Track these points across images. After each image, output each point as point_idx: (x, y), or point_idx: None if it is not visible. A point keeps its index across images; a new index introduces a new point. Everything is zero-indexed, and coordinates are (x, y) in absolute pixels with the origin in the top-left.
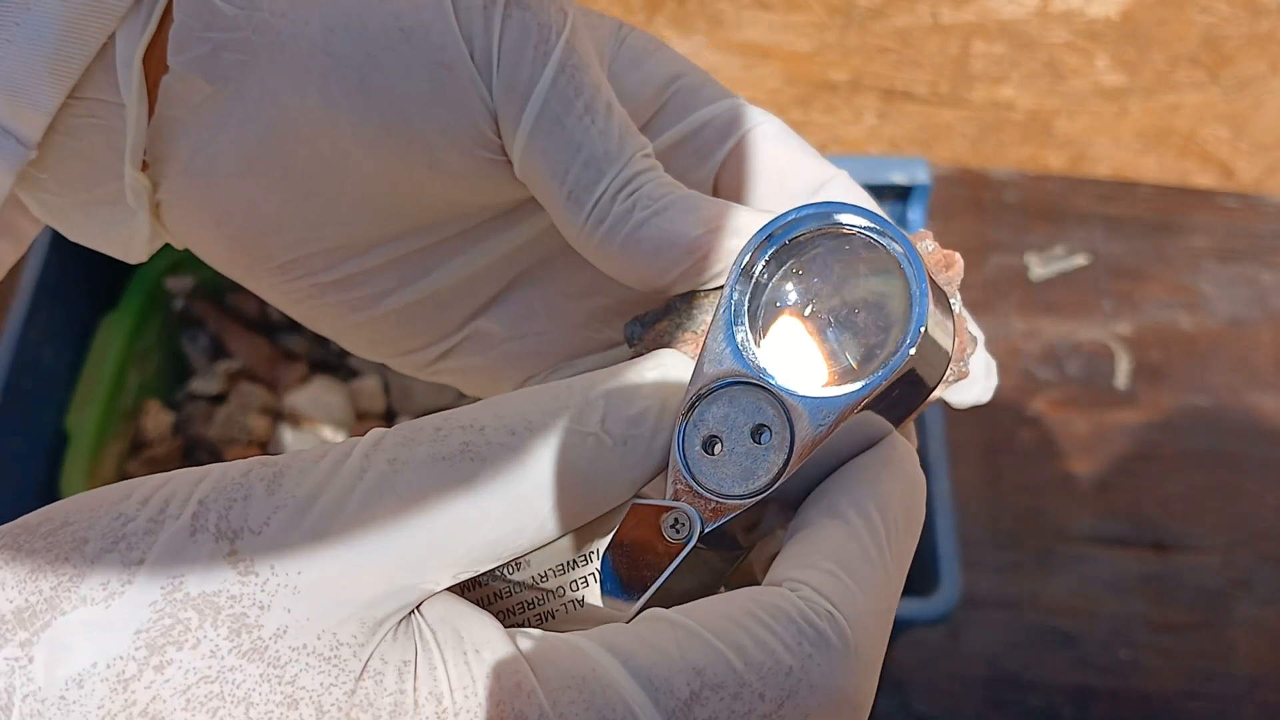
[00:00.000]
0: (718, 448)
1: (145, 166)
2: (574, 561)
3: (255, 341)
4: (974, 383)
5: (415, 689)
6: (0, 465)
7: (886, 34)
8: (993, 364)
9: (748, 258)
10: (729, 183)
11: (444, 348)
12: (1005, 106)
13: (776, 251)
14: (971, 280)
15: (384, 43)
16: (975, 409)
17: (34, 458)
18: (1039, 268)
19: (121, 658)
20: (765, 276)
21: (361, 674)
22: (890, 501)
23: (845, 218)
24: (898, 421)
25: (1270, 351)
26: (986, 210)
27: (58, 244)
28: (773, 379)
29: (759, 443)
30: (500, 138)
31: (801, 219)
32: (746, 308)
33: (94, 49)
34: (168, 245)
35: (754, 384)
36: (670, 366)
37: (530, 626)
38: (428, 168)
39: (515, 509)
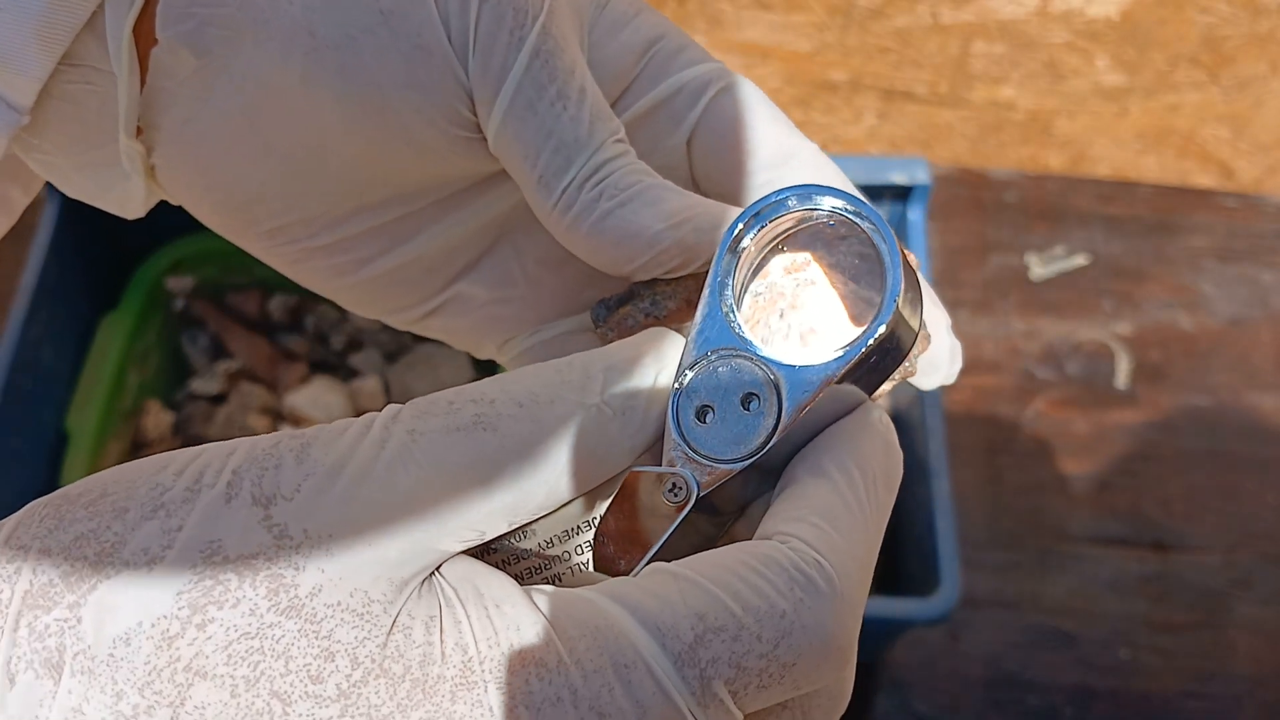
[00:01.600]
0: (710, 416)
1: (140, 133)
2: (578, 528)
3: (255, 341)
4: (938, 366)
5: (442, 641)
6: (0, 465)
7: (886, 34)
8: (958, 348)
9: (734, 234)
10: (700, 149)
11: (429, 308)
12: (1005, 106)
13: (762, 229)
14: (971, 280)
15: (363, 24)
16: (975, 409)
17: (34, 458)
18: (1039, 268)
19: (165, 617)
20: (751, 253)
21: (392, 628)
22: (869, 460)
23: (825, 199)
24: (871, 390)
25: (1270, 351)
26: (986, 210)
27: (58, 244)
28: (760, 350)
29: (749, 410)
30: (476, 116)
31: (784, 199)
32: (733, 283)
33: (82, 19)
34: (167, 247)
35: (741, 355)
36: (663, 341)
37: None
38: (406, 145)
39: (525, 476)
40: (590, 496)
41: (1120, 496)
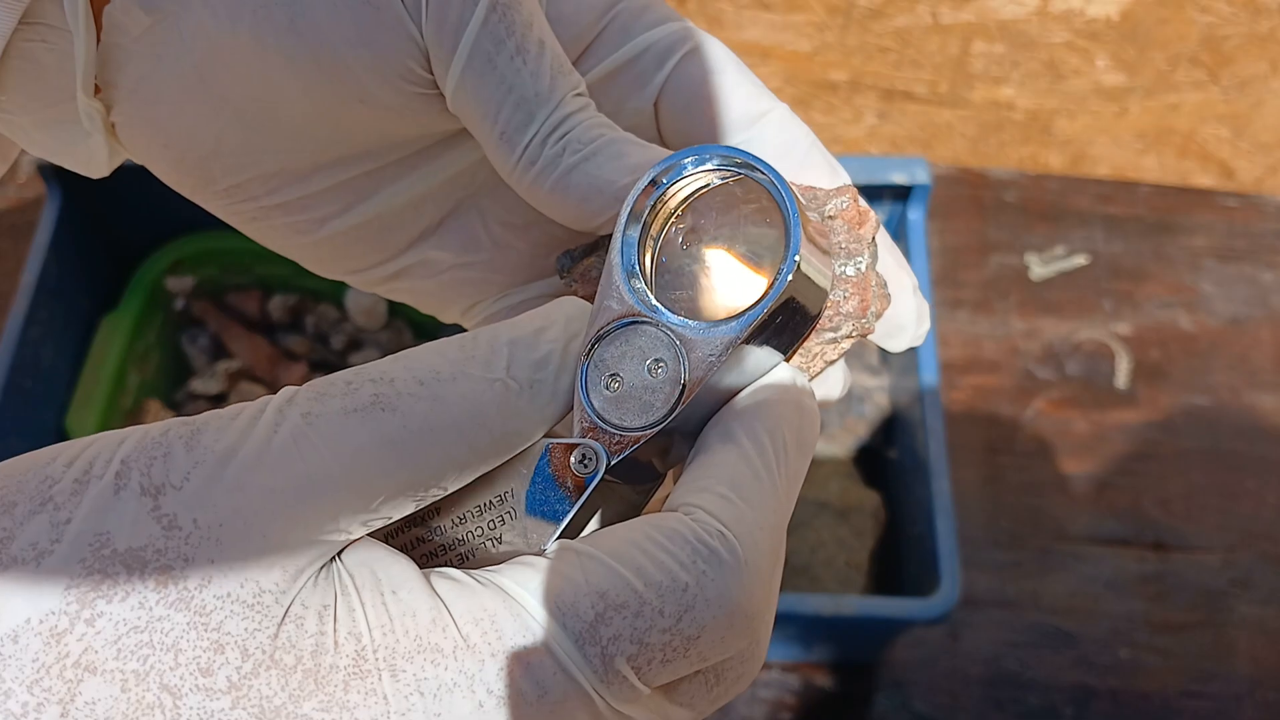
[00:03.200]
0: (618, 384)
1: (99, 91)
2: (490, 503)
3: (255, 341)
4: (904, 328)
5: (335, 630)
6: None
7: (886, 34)
8: (925, 310)
9: (635, 201)
10: (667, 112)
11: (393, 269)
12: (1005, 106)
13: (665, 194)
14: (971, 280)
15: None
16: (975, 409)
17: None
18: (1039, 268)
19: (54, 613)
20: (654, 218)
21: (284, 618)
22: (779, 425)
23: (723, 157)
24: (787, 350)
25: (1270, 351)
26: (986, 210)
27: (58, 244)
28: (663, 316)
29: (655, 377)
30: (432, 73)
31: (681, 162)
32: (637, 249)
33: None
34: (167, 247)
35: (648, 322)
36: (570, 311)
37: (450, 567)
38: (360, 103)
39: (428, 456)
40: (502, 471)
41: (1120, 496)
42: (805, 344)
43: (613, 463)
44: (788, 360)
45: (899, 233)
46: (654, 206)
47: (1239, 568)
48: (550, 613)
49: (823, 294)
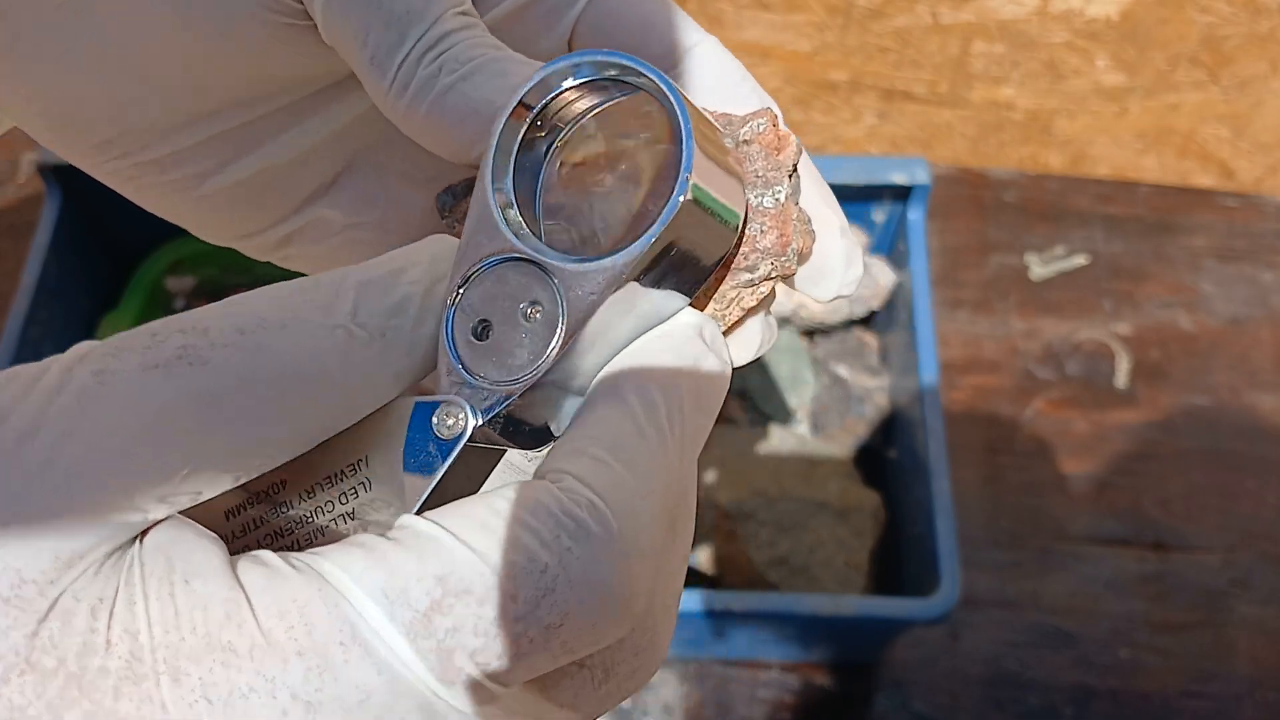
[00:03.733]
0: (489, 332)
1: None
2: (342, 473)
3: None
4: (829, 272)
5: (109, 627)
6: None
7: (886, 34)
8: (855, 253)
9: (506, 117)
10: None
11: (282, 233)
12: (1005, 106)
13: (545, 111)
14: (971, 280)
15: None
16: (975, 409)
17: None
18: (1039, 268)
19: None
20: (534, 140)
21: (48, 614)
22: (674, 378)
23: (600, 63)
24: (689, 294)
25: (1270, 351)
26: (986, 210)
27: (58, 244)
28: (538, 250)
29: (530, 322)
30: (301, 1)
31: (554, 72)
32: (511, 175)
33: None
34: (167, 247)
35: (522, 259)
36: (438, 251)
37: (300, 547)
38: (224, 38)
39: (247, 418)
40: (355, 435)
41: (1120, 496)
42: (720, 289)
43: (481, 423)
44: (697, 306)
45: (899, 233)
46: (535, 126)
47: (1239, 568)
48: (375, 601)
49: (730, 226)
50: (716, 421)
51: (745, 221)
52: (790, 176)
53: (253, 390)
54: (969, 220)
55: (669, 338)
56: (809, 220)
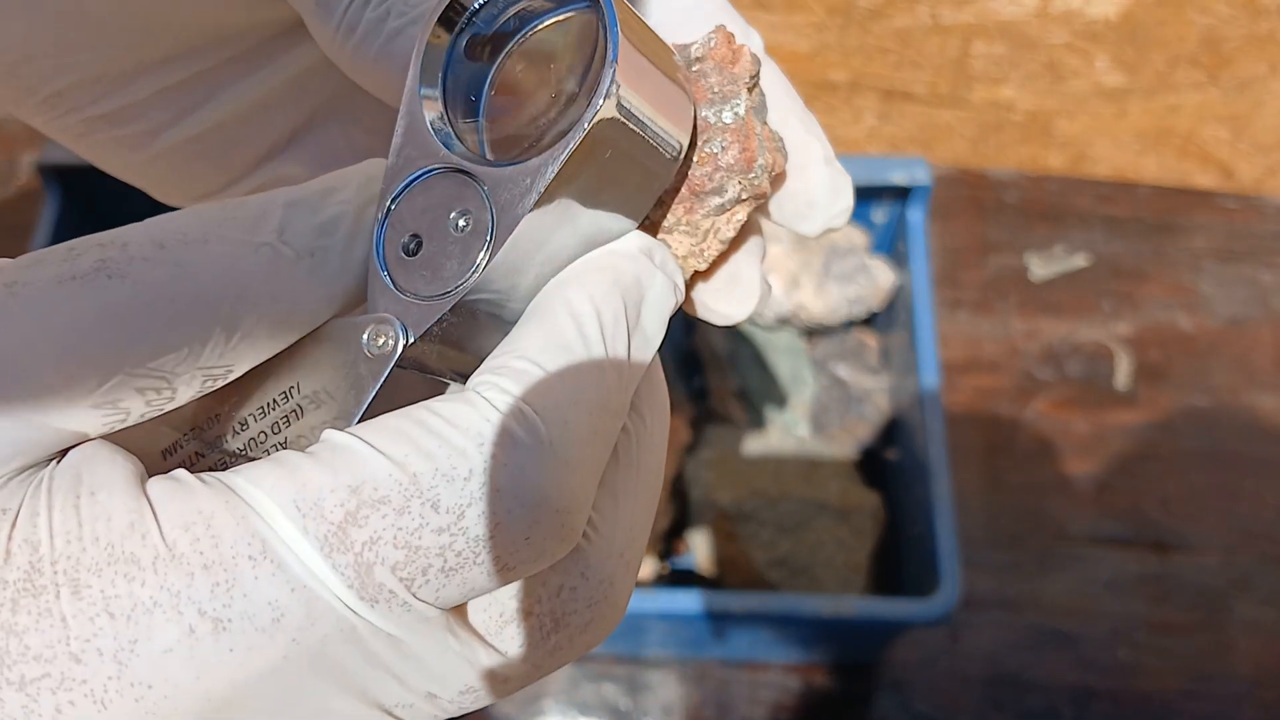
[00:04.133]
0: (420, 247)
1: None
2: (274, 401)
3: None
4: (814, 202)
5: (10, 538)
6: None
7: (886, 34)
8: (842, 182)
9: (429, 28)
10: None
11: (242, 190)
12: (1005, 107)
13: (476, 15)
14: (971, 280)
15: None
16: (975, 409)
17: None
18: (1039, 268)
19: None
20: (473, 52)
21: None
22: (611, 293)
23: None
24: (637, 214)
25: (1270, 351)
26: (986, 210)
27: (57, 244)
28: (464, 155)
29: (460, 232)
30: None
31: None
32: (440, 81)
33: None
34: None
35: (451, 170)
36: (372, 171)
37: None
38: None
39: (169, 336)
40: (289, 360)
41: (1120, 496)
42: (692, 218)
43: (413, 340)
44: (671, 241)
45: (899, 233)
46: (477, 40)
47: (1239, 568)
48: (286, 514)
49: (672, 140)
50: (717, 422)
51: (696, 138)
52: (751, 91)
53: (169, 305)
54: (969, 221)
55: (611, 255)
56: (780, 139)
